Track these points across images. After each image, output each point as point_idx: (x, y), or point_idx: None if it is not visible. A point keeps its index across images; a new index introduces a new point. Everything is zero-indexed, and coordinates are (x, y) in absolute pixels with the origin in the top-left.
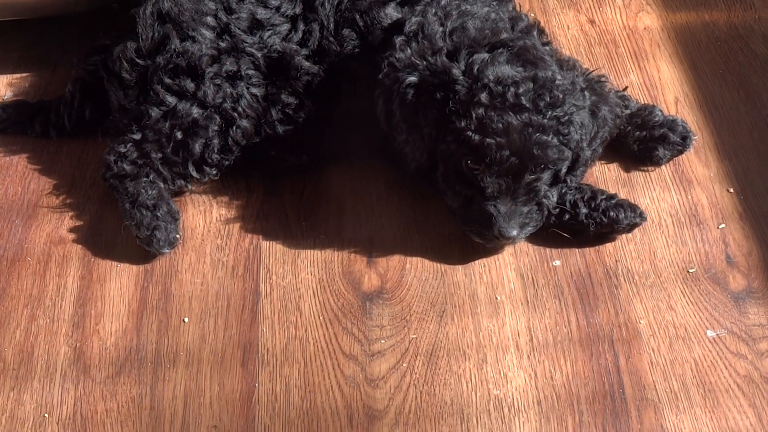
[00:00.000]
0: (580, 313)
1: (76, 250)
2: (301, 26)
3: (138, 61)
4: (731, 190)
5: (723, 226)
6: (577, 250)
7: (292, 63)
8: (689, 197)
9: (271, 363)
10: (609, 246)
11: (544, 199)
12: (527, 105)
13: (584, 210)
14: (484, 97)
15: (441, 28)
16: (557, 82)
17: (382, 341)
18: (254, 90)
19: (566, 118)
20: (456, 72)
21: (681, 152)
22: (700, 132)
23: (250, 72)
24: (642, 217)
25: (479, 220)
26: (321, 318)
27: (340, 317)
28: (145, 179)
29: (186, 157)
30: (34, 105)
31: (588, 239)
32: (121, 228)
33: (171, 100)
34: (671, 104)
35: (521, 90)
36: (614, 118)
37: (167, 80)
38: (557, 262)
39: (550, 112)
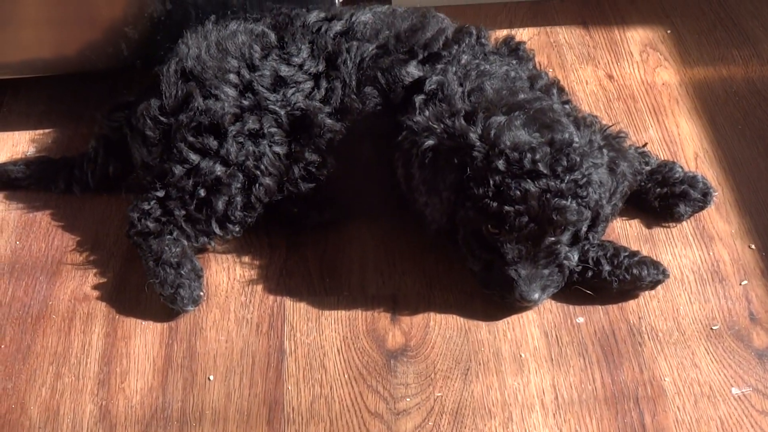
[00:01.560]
0: (604, 371)
1: (100, 307)
2: (324, 84)
3: (161, 118)
4: (753, 246)
5: (745, 282)
6: (600, 307)
7: (315, 121)
8: (711, 253)
9: (296, 421)
10: (632, 303)
11: (564, 261)
12: (544, 171)
13: (607, 267)
14: (500, 164)
15: (460, 89)
16: (574, 144)
17: (408, 399)
18: (277, 148)
19: (584, 180)
20: (473, 137)
21: (702, 208)
22: (720, 188)
23: (273, 130)
24: (665, 274)
25: (501, 283)
26: (346, 376)
27: (365, 375)
28: (168, 236)
29: (209, 214)
30: (58, 161)
31: (611, 296)
32: (145, 285)
33: (194, 157)
34: (691, 160)
35: (538, 156)
36: (633, 173)
37: (190, 138)
38: (581, 320)
39: (567, 176)
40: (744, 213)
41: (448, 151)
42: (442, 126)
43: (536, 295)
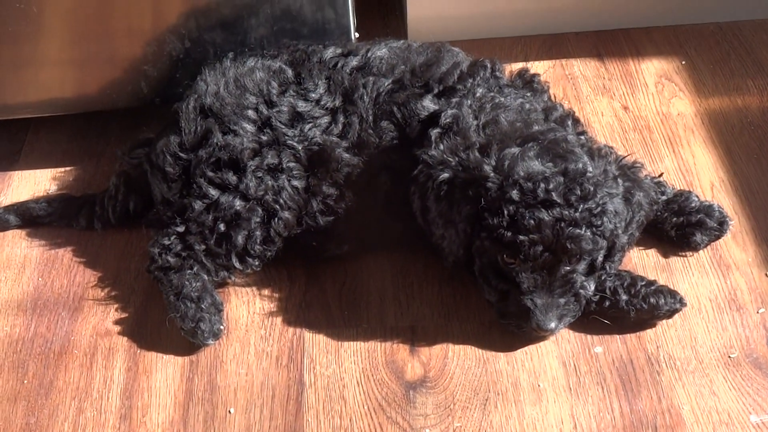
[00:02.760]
0: (623, 400)
1: (121, 342)
2: (341, 119)
3: (181, 154)
4: None
5: (763, 310)
6: (618, 336)
7: (332, 155)
8: (728, 282)
9: None
10: (650, 332)
11: (581, 290)
12: (558, 200)
13: (624, 297)
14: (514, 194)
15: (475, 122)
16: (588, 174)
17: (427, 430)
18: (295, 182)
19: (599, 209)
20: (487, 168)
21: (718, 237)
22: (736, 216)
23: (292, 164)
24: (682, 303)
25: (517, 313)
26: (365, 407)
27: (385, 406)
28: (189, 271)
29: (229, 248)
30: (79, 198)
31: (628, 325)
32: (166, 320)
33: (214, 192)
34: (707, 189)
35: (551, 185)
36: (649, 203)
37: (210, 173)
38: (599, 349)
39: (582, 205)
40: (761, 241)
41: (462, 183)
42: (456, 159)
43: (552, 324)
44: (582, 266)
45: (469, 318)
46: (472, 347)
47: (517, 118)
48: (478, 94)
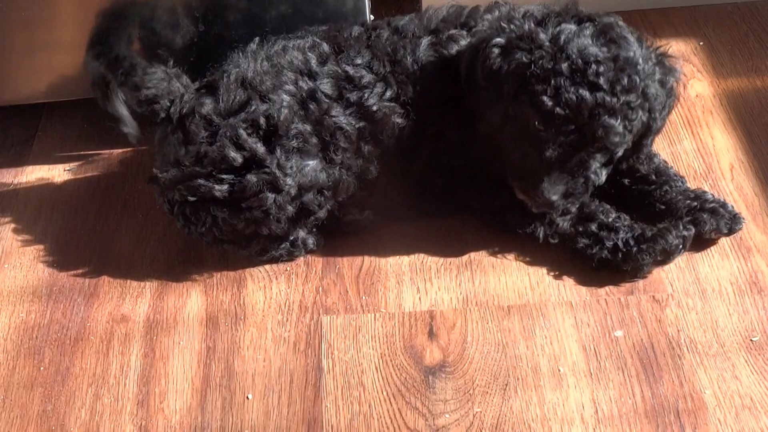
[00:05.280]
0: (644, 384)
1: (138, 328)
2: (393, 82)
3: (214, 118)
4: None
5: None
6: (638, 319)
7: (388, 123)
8: (749, 265)
9: None
10: (670, 315)
11: (592, 175)
12: (604, 86)
13: (635, 247)
14: (565, 67)
15: (523, 9)
16: (638, 66)
17: (447, 416)
18: (338, 158)
19: (638, 102)
20: (543, 37)
21: (728, 230)
22: (756, 198)
23: (337, 142)
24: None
25: (529, 178)
26: (384, 393)
27: (404, 392)
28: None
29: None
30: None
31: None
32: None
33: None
34: (726, 171)
35: (602, 69)
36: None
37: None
38: (619, 333)
39: (624, 97)
40: None
41: (515, 49)
42: (512, 26)
43: (555, 197)
44: (602, 155)
45: (487, 303)
46: (492, 332)
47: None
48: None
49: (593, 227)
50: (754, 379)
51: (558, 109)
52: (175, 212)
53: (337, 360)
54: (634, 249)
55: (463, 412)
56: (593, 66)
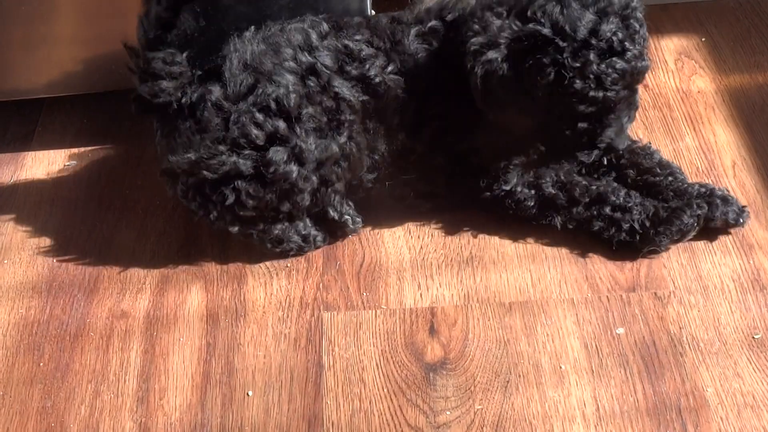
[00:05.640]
0: (645, 382)
1: (138, 324)
2: (396, 57)
3: (224, 104)
4: None
5: None
6: (640, 317)
7: (393, 95)
8: (751, 262)
9: None
10: (672, 313)
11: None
12: (630, 47)
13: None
14: (592, 57)
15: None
16: (632, 3)
17: (448, 413)
18: (343, 138)
19: (646, 33)
20: (545, 31)
21: (734, 220)
22: (758, 195)
23: (342, 117)
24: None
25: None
26: (385, 390)
27: (404, 389)
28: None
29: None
30: None
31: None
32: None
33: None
34: (728, 168)
35: (619, 36)
36: None
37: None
38: (621, 330)
39: (642, 41)
40: None
41: (524, 53)
42: (504, 34)
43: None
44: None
45: (489, 299)
46: (493, 329)
47: None
48: None
49: (607, 210)
50: (756, 377)
51: (608, 94)
52: (190, 196)
53: (337, 357)
54: (651, 231)
55: (464, 409)
56: (611, 38)
